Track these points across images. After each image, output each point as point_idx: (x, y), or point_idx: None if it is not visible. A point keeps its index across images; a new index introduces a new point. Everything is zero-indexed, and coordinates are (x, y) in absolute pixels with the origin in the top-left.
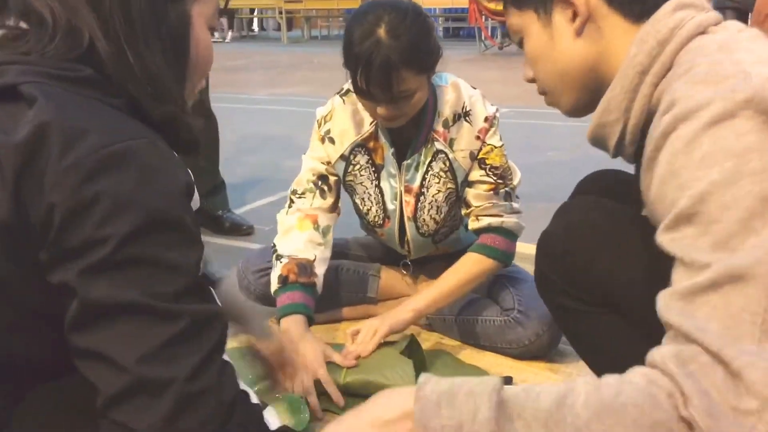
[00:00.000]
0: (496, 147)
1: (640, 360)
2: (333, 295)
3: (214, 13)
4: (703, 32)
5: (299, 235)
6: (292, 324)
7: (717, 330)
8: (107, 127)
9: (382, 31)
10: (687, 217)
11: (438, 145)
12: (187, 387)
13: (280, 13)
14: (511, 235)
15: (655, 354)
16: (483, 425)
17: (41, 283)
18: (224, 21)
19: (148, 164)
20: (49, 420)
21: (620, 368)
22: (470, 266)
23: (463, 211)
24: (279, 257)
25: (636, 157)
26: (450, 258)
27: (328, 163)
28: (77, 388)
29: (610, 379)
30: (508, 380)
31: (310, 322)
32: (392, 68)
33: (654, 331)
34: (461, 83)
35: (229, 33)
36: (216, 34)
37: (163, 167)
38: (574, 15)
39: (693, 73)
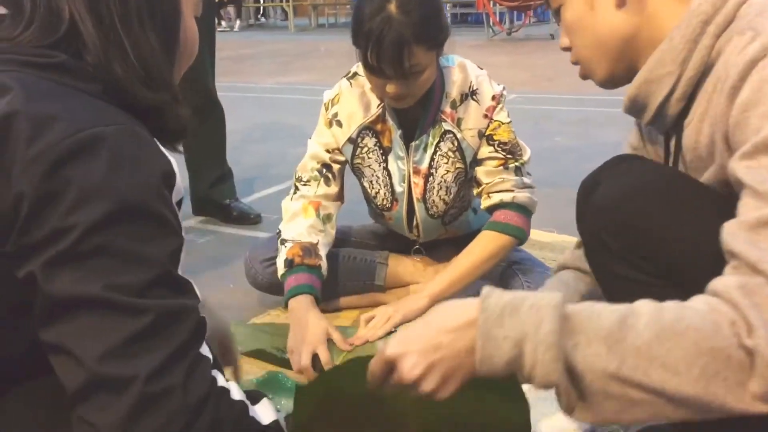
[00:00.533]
0: (503, 123)
1: None
2: (341, 283)
3: (199, 1)
4: None
5: (303, 221)
6: (298, 303)
7: None
8: (77, 113)
9: (392, 7)
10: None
11: (446, 126)
12: (148, 386)
13: (287, 1)
14: (524, 210)
15: (718, 283)
16: (546, 337)
17: (11, 277)
18: (231, 10)
19: (120, 151)
20: (27, 418)
21: None
22: (484, 245)
23: (475, 191)
24: (283, 242)
25: (678, 119)
26: (459, 241)
27: (335, 149)
28: (54, 386)
29: (672, 304)
30: None
31: (317, 302)
32: (404, 43)
33: None
34: (468, 63)
35: (237, 22)
36: (224, 23)
37: (136, 154)
38: None
39: None
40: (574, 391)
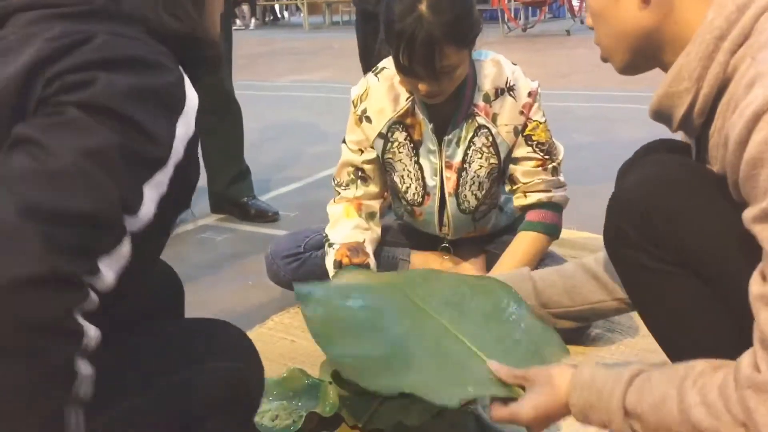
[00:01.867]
0: (541, 123)
1: (718, 335)
2: None
3: None
4: None
5: (347, 223)
6: None
7: None
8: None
9: (423, 6)
10: None
11: (480, 120)
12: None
13: None
14: (558, 208)
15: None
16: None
17: None
18: (246, 9)
19: (132, 67)
20: None
21: (693, 340)
22: (527, 246)
23: (508, 188)
24: (331, 245)
25: (704, 128)
26: (484, 240)
27: (365, 148)
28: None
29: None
30: None
31: None
32: (435, 44)
33: (737, 305)
34: (502, 59)
35: (252, 20)
36: (238, 22)
37: (148, 73)
38: None
39: None
40: None
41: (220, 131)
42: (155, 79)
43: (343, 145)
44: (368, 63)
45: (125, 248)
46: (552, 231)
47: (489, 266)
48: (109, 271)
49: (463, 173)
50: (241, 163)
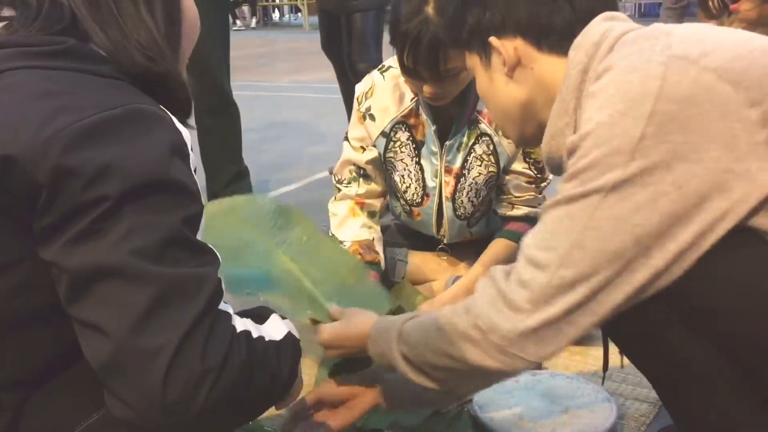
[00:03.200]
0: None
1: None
2: None
3: None
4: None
5: (354, 222)
6: None
7: None
8: (83, 100)
9: (430, 9)
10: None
11: (483, 127)
12: (174, 357)
13: None
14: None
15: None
16: (392, 354)
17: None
18: (246, 9)
19: (126, 131)
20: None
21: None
22: (501, 254)
23: (497, 197)
24: (341, 243)
25: None
26: (483, 243)
27: (368, 146)
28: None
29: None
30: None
31: None
32: (440, 47)
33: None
34: None
35: (253, 20)
36: (239, 22)
37: (142, 131)
38: (505, 60)
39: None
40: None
41: (218, 132)
42: (165, 132)
43: (345, 142)
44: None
45: None
46: None
47: None
48: None
49: (462, 179)
50: (240, 164)
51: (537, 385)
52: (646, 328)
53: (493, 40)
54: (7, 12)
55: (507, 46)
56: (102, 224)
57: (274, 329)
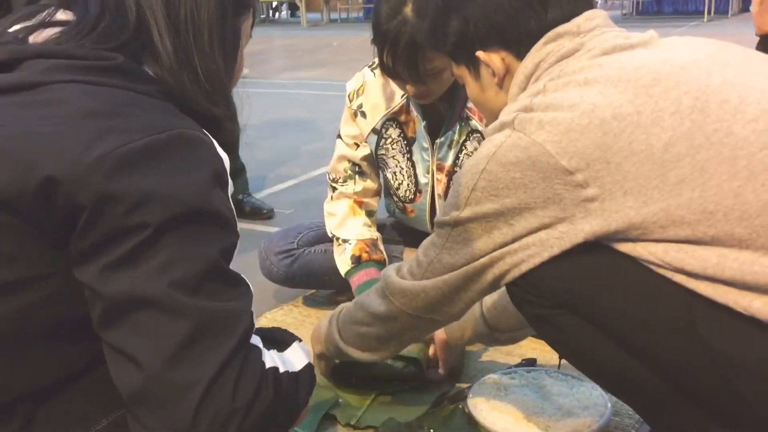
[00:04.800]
0: None
1: (607, 355)
2: None
3: (249, 31)
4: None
5: (355, 221)
6: None
7: None
8: (132, 123)
9: (408, 10)
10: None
11: (473, 124)
12: (206, 391)
13: None
14: None
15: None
16: (333, 344)
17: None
18: None
19: (172, 157)
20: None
21: (596, 365)
22: None
23: None
24: (345, 241)
25: None
26: None
27: (361, 142)
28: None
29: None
30: (531, 362)
31: None
32: (418, 48)
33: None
34: None
35: None
36: None
37: (188, 159)
38: (494, 72)
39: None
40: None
41: None
42: (207, 160)
43: (339, 140)
44: None
45: None
46: None
47: None
48: None
49: (454, 176)
50: (236, 160)
51: (531, 383)
52: (583, 351)
53: (480, 54)
54: (62, 15)
55: (494, 59)
56: (141, 252)
57: (296, 358)
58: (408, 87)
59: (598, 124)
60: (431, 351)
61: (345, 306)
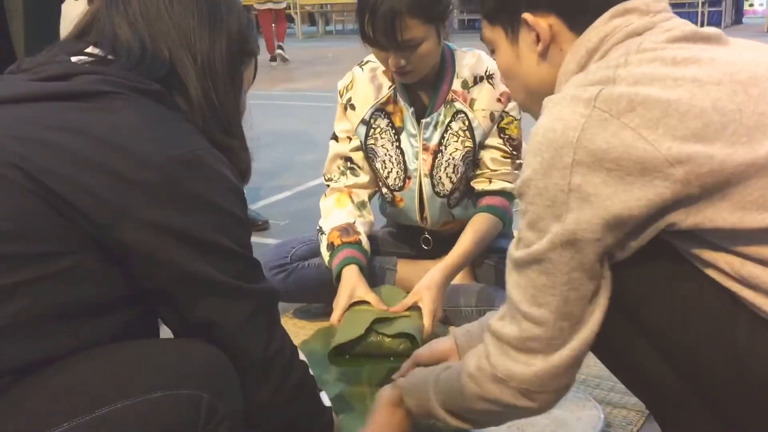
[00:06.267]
0: (516, 119)
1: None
2: None
3: (252, 76)
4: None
5: (339, 212)
6: (344, 274)
7: None
8: (179, 136)
9: None
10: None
11: (458, 105)
12: (267, 352)
13: (295, 8)
14: (513, 200)
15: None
16: (429, 410)
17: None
18: None
19: (214, 169)
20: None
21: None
22: (484, 227)
23: (475, 173)
24: (323, 232)
25: None
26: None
27: (353, 136)
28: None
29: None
30: None
31: (363, 271)
32: (396, 15)
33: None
34: (483, 53)
35: None
36: None
37: (223, 171)
38: (538, 39)
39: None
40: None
41: None
42: (234, 177)
43: (332, 141)
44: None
45: None
46: (504, 217)
47: (480, 277)
48: None
49: (439, 155)
50: None
51: None
52: (612, 342)
53: (527, 16)
54: (93, 49)
55: (542, 24)
56: (204, 248)
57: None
58: (390, 61)
59: (698, 113)
60: (426, 323)
61: (448, 374)
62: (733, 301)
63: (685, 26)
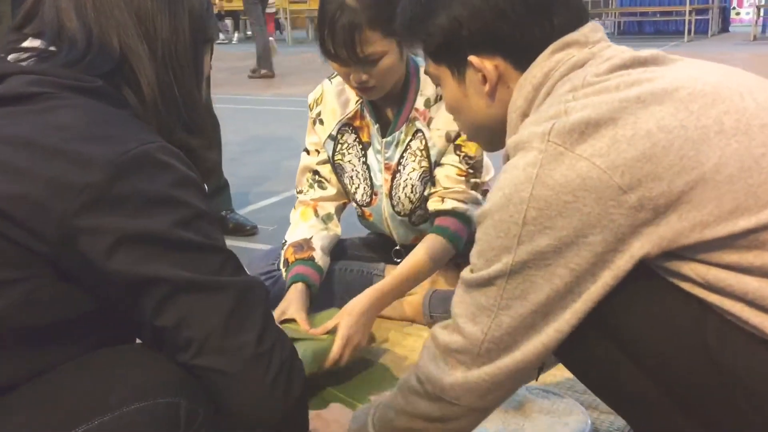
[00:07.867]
0: None
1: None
2: (338, 295)
3: (209, 62)
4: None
5: (303, 225)
6: (288, 292)
7: None
8: (126, 133)
9: None
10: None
11: (418, 124)
12: (258, 348)
13: (284, 13)
14: (469, 222)
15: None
16: None
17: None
18: (229, 23)
19: (164, 163)
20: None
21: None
22: (432, 248)
23: (427, 192)
24: (284, 246)
25: None
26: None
27: (321, 149)
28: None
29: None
30: None
31: (310, 287)
32: (355, 28)
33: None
34: None
35: (236, 34)
36: (222, 36)
37: (176, 162)
38: (484, 79)
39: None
40: None
41: None
42: (193, 170)
43: (303, 153)
44: None
45: None
46: (457, 242)
47: None
48: None
49: (397, 175)
50: (220, 177)
51: (511, 399)
52: (586, 358)
53: (473, 59)
54: (30, 43)
55: (487, 66)
56: (170, 245)
57: None
58: (352, 76)
59: (644, 135)
60: (334, 350)
61: (380, 406)
62: (702, 307)
63: (624, 53)
